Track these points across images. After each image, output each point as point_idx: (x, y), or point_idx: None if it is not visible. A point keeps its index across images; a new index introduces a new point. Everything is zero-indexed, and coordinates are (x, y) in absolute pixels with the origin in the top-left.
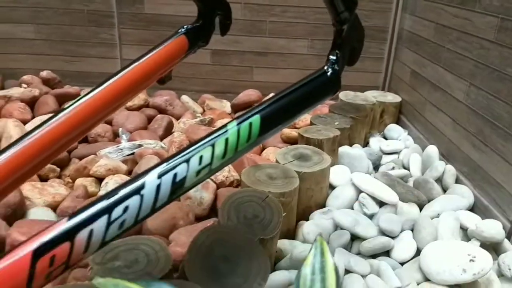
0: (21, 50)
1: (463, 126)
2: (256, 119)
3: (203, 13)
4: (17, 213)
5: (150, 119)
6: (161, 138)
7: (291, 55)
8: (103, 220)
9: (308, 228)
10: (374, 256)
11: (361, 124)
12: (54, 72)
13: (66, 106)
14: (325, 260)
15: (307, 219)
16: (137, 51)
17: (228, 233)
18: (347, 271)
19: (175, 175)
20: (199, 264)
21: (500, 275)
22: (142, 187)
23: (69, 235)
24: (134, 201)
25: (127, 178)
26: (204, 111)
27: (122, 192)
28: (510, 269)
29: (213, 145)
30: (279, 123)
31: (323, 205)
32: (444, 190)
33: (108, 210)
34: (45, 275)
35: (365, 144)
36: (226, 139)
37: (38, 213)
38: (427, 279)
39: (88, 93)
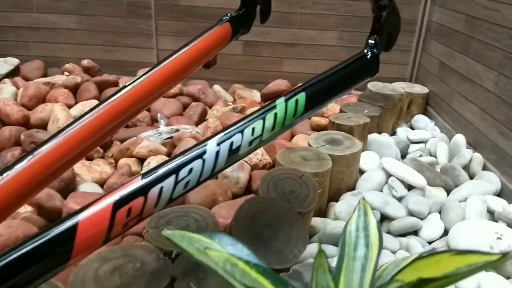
0: (65, 40)
1: (492, 115)
2: (302, 96)
3: (246, 1)
4: (69, 187)
5: (185, 106)
6: (196, 124)
7: (320, 46)
8: (171, 179)
9: (340, 207)
10: (403, 235)
11: (389, 114)
12: (94, 61)
13: (115, 92)
14: (368, 220)
15: (337, 201)
16: (172, 41)
17: (269, 204)
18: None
19: (231, 144)
20: (244, 230)
21: None
22: (204, 152)
23: (143, 191)
24: (197, 164)
25: (167, 158)
26: (234, 100)
27: (188, 156)
28: None
29: (263, 119)
30: (322, 101)
31: (353, 188)
32: (471, 177)
33: (176, 170)
34: (122, 225)
35: (392, 133)
36: (275, 114)
37: (87, 187)
38: None
39: (137, 79)
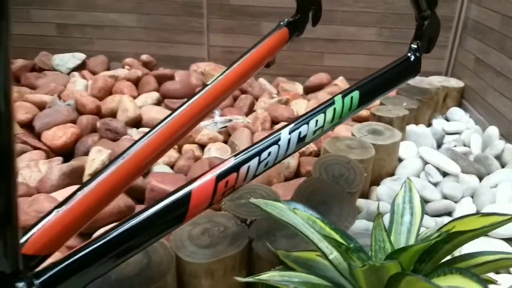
0: (125, 37)
1: None
2: (356, 94)
3: (301, 8)
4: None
5: (235, 98)
6: (246, 114)
7: (360, 42)
8: (256, 160)
9: (381, 190)
10: (438, 215)
11: (426, 106)
12: (151, 56)
13: (198, 91)
14: (412, 194)
15: (378, 185)
16: (222, 38)
17: (323, 184)
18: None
19: (299, 133)
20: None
21: None
22: (279, 139)
23: (236, 168)
24: (274, 148)
25: (224, 145)
26: (278, 92)
27: (267, 141)
28: None
29: (324, 113)
30: (372, 97)
31: (392, 174)
32: (503, 166)
33: (259, 153)
34: (221, 194)
35: (429, 124)
36: (334, 108)
37: (160, 169)
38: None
39: (216, 78)
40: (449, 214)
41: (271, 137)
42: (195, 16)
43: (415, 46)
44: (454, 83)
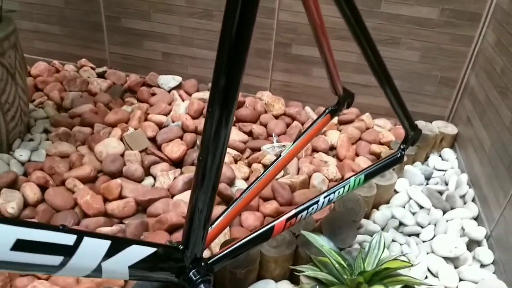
0: (211, 66)
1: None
2: (362, 176)
3: (340, 101)
4: (232, 182)
5: (287, 125)
6: (294, 141)
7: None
8: (305, 212)
9: (377, 215)
10: (409, 235)
11: (424, 149)
12: None
13: (274, 160)
14: (381, 239)
15: (377, 209)
16: (282, 75)
17: (339, 215)
18: (393, 241)
19: (329, 198)
20: (327, 227)
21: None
22: (318, 200)
23: (296, 215)
24: (315, 206)
25: None
26: None
27: (312, 201)
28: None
29: (344, 187)
30: (372, 178)
31: (388, 202)
32: (465, 203)
33: (307, 208)
34: (288, 227)
35: (426, 159)
36: (349, 185)
37: (238, 183)
38: (432, 252)
39: (284, 152)
40: (417, 235)
41: (314, 199)
42: (264, 59)
43: (402, 147)
44: (451, 129)
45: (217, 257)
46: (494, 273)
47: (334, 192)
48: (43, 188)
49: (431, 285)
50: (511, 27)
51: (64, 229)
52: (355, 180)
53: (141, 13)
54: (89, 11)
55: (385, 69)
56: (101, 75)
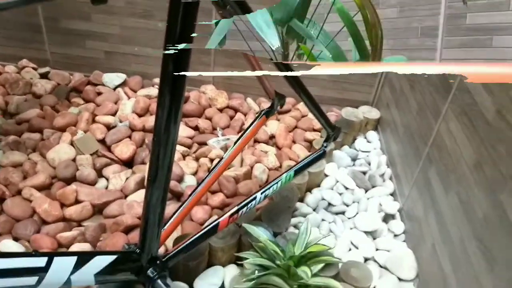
0: (155, 62)
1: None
2: (292, 172)
3: (273, 103)
4: (181, 178)
5: (231, 117)
6: (237, 132)
7: (317, 80)
8: (245, 208)
9: (310, 198)
10: (336, 214)
11: (350, 134)
12: None
13: (215, 165)
14: (308, 226)
15: (311, 192)
16: (224, 70)
17: (276, 204)
18: (323, 220)
19: (266, 194)
20: (266, 214)
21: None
22: (255, 197)
23: (237, 211)
24: (253, 202)
25: None
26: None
27: (250, 198)
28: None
29: (277, 183)
30: (301, 173)
31: (319, 185)
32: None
33: (247, 204)
34: (231, 221)
35: (353, 142)
36: (281, 181)
37: (188, 179)
38: (355, 227)
39: (226, 154)
40: (343, 213)
41: (252, 196)
42: (205, 54)
43: (325, 145)
44: (374, 114)
45: (170, 254)
46: (404, 241)
47: (269, 188)
48: (0, 199)
49: (340, 259)
50: None
51: (37, 254)
52: (286, 176)
53: (81, 14)
54: (27, 13)
55: (301, 82)
56: (44, 76)
